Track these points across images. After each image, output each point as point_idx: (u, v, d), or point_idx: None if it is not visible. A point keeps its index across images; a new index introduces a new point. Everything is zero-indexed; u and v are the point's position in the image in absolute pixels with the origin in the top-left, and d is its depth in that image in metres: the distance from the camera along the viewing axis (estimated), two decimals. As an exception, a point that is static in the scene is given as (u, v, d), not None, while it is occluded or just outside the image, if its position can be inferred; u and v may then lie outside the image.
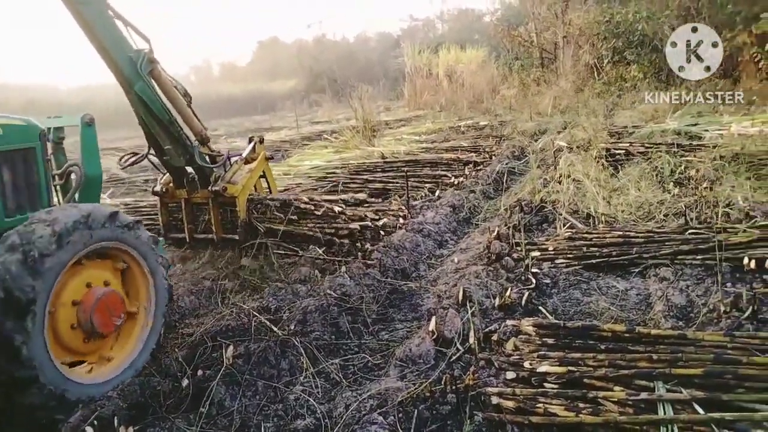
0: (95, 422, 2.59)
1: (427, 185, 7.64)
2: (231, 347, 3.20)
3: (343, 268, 4.53)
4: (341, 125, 14.93)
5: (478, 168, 8.65)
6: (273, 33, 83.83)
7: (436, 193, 7.24)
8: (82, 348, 2.95)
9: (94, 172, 3.66)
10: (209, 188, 4.75)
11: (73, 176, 3.61)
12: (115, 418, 2.62)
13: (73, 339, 2.87)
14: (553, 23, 19.30)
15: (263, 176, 5.33)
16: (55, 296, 2.72)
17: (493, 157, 9.50)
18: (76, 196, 3.53)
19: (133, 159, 4.93)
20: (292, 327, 3.59)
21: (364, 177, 8.12)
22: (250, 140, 5.30)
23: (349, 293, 4.12)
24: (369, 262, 4.75)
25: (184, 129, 4.57)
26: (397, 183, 7.56)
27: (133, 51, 4.12)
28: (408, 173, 7.55)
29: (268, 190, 5.41)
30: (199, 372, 3.08)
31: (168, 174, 4.90)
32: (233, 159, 5.03)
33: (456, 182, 7.68)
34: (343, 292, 4.10)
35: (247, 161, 5.10)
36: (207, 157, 4.83)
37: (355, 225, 5.07)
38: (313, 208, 5.02)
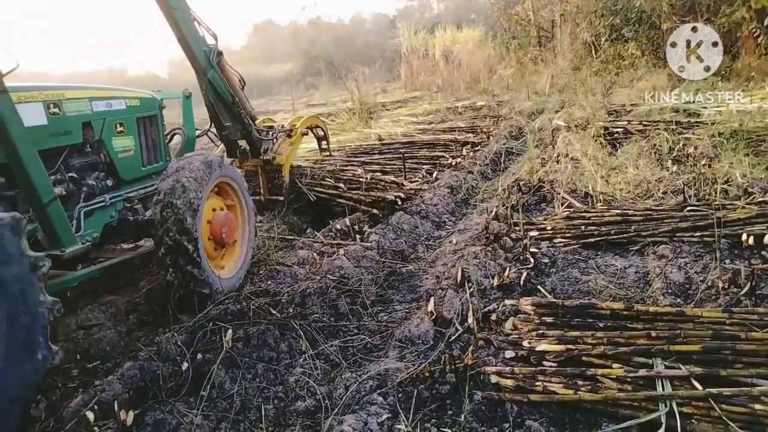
0: (95, 407, 2.60)
1: (424, 167, 7.60)
2: (230, 331, 3.21)
3: (342, 251, 4.52)
4: (338, 108, 14.79)
5: (476, 149, 8.61)
6: (267, 15, 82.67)
7: (434, 175, 7.21)
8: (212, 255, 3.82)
9: (192, 133, 4.73)
10: (260, 157, 5.80)
11: (177, 137, 4.72)
12: (116, 402, 2.63)
13: (208, 247, 3.73)
14: (550, 1, 19.05)
15: (322, 136, 7.09)
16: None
17: (491, 138, 9.45)
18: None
19: (197, 133, 5.62)
20: (291, 310, 3.59)
21: (361, 159, 8.07)
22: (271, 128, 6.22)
23: (347, 275, 4.12)
24: (367, 244, 4.74)
25: (242, 109, 5.38)
26: (394, 165, 7.52)
27: (206, 45, 4.92)
28: (405, 155, 7.52)
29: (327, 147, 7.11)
30: (199, 356, 3.08)
31: (223, 146, 5.77)
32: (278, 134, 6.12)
33: (454, 163, 7.65)
34: (342, 275, 4.10)
35: (288, 136, 6.17)
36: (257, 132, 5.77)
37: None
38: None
